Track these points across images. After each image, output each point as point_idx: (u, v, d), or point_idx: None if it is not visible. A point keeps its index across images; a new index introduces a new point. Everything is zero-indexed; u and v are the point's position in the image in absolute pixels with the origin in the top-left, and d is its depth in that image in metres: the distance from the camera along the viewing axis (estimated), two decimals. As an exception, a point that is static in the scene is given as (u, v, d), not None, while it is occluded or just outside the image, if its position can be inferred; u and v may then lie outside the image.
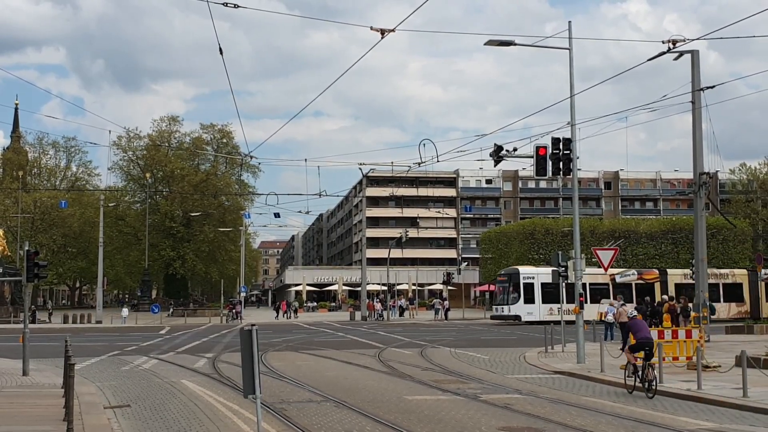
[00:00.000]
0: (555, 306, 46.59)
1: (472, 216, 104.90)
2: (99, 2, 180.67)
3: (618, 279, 48.61)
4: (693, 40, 20.14)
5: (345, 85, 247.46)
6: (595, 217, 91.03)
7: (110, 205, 69.74)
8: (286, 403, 14.49)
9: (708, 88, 22.70)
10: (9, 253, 56.97)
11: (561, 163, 21.96)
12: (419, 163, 27.46)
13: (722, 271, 53.81)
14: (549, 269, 53.00)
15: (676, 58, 22.41)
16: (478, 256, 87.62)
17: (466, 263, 73.53)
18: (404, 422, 12.36)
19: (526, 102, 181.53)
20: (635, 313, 18.62)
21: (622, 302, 33.26)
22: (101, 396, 15.66)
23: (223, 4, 16.63)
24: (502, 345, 30.11)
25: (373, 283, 74.47)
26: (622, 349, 17.64)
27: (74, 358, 13.44)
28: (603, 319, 32.66)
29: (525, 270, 49.51)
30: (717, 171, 49.45)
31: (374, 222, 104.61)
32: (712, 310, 31.43)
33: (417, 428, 11.93)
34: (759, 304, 51.17)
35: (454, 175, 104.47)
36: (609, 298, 47.18)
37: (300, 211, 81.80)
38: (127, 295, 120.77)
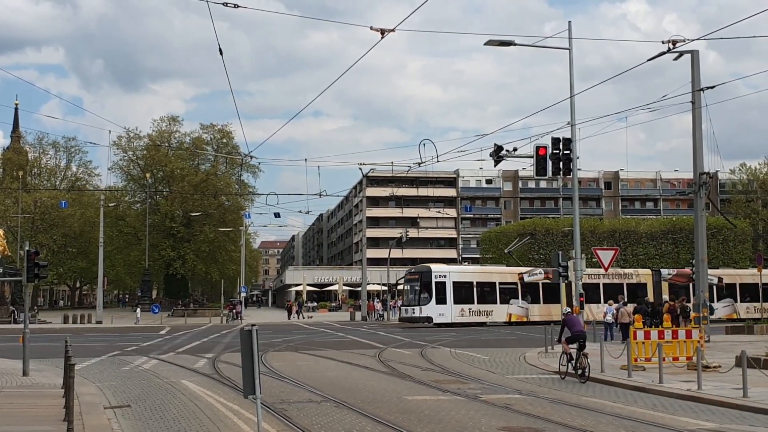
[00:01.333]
0: (467, 306, 45.20)
1: (472, 216, 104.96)
2: (98, 2, 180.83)
3: (526, 278, 47.20)
4: (693, 40, 20.18)
5: (344, 84, 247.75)
6: (595, 217, 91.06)
7: (110, 205, 69.69)
8: (286, 403, 14.50)
9: (708, 88, 22.75)
10: (9, 253, 56.93)
11: (561, 163, 22.01)
12: (419, 163, 27.52)
13: (626, 270, 52.47)
14: (461, 267, 50.78)
15: (676, 58, 22.46)
16: (478, 256, 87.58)
17: (466, 263, 73.56)
18: (404, 422, 12.37)
19: (525, 102, 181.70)
20: (569, 309, 20.93)
21: (623, 302, 33.34)
22: (101, 396, 15.66)
23: (223, 4, 16.64)
24: (502, 345, 30.11)
25: (374, 283, 74.45)
26: (559, 341, 19.83)
27: (74, 358, 13.46)
28: (603, 318, 32.64)
29: (437, 268, 47.01)
30: (717, 171, 49.30)
31: (374, 222, 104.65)
32: (711, 311, 31.40)
33: (417, 428, 11.93)
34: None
35: (454, 175, 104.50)
36: (518, 298, 46.42)
37: (300, 211, 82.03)
38: (127, 295, 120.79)
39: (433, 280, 44.71)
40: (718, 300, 49.77)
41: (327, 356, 25.46)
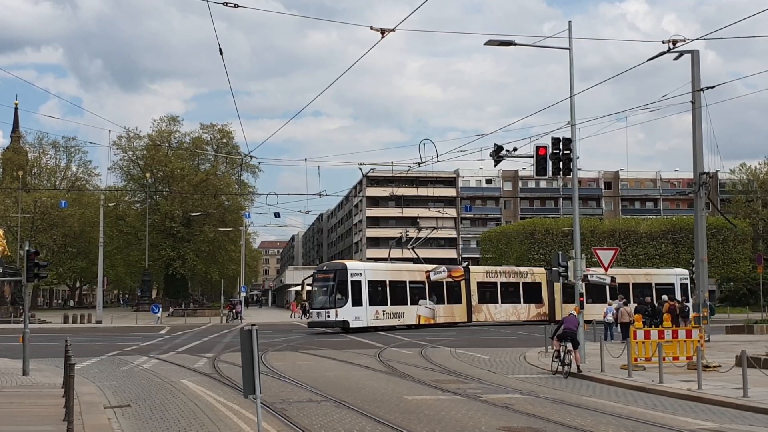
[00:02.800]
0: (381, 308, 40.51)
1: (472, 216, 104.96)
2: (97, 2, 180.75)
3: (432, 276, 43.66)
4: (693, 40, 20.19)
5: (344, 84, 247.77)
6: (595, 217, 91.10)
7: (110, 205, 69.68)
8: (286, 403, 14.50)
9: (708, 88, 22.74)
10: (9, 253, 56.92)
11: (561, 163, 21.96)
12: (419, 163, 27.54)
13: (522, 269, 49.56)
14: (375, 265, 45.17)
15: (676, 58, 22.46)
16: (478, 256, 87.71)
17: (466, 263, 73.43)
18: (404, 422, 12.37)
19: (524, 102, 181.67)
20: (573, 312, 21.26)
21: (623, 301, 33.35)
22: (101, 396, 15.66)
23: (223, 3, 16.63)
24: (502, 345, 30.12)
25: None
26: (552, 337, 20.67)
27: (74, 358, 13.45)
28: (604, 319, 32.58)
29: (353, 265, 41.41)
30: (717, 171, 49.18)
31: (374, 222, 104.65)
32: (712, 311, 31.41)
33: (417, 428, 11.93)
34: (554, 305, 46.64)
35: (454, 175, 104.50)
36: (426, 298, 42.97)
37: (300, 211, 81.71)
38: (127, 295, 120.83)
39: (349, 279, 39.42)
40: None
41: (327, 356, 25.47)
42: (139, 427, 12.37)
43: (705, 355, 19.20)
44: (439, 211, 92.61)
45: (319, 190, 79.15)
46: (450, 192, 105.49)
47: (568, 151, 22.00)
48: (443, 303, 43.98)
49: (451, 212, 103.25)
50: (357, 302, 39.42)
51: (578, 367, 19.43)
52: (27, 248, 19.98)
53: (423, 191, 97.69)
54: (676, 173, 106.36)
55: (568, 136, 22.23)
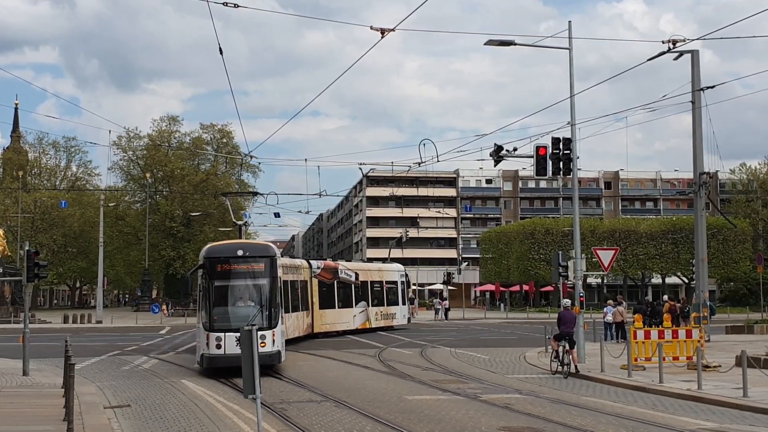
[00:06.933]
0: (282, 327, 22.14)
1: (472, 216, 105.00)
2: (95, 2, 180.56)
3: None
4: (693, 40, 20.18)
5: (342, 84, 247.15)
6: (595, 217, 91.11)
7: (110, 205, 69.70)
8: (286, 403, 14.50)
9: (708, 88, 22.76)
10: (9, 253, 56.91)
11: (561, 163, 21.97)
12: (419, 163, 27.54)
13: (296, 261, 36.80)
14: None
15: (676, 58, 22.48)
16: (478, 256, 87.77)
17: (466, 263, 73.66)
18: (404, 422, 12.37)
19: (523, 102, 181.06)
20: (568, 301, 20.79)
21: (622, 302, 33.42)
22: (101, 396, 15.67)
23: (222, 3, 16.63)
24: (502, 345, 30.11)
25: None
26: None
27: (74, 358, 13.46)
28: (603, 319, 32.55)
29: (277, 251, 22.84)
30: (717, 171, 49.15)
31: (374, 222, 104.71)
32: (712, 311, 31.37)
33: (417, 428, 11.94)
34: (314, 312, 34.22)
35: (454, 175, 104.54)
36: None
37: (300, 211, 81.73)
38: (127, 295, 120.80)
39: (280, 274, 21.82)
40: (356, 303, 37.85)
41: (327, 356, 25.47)
42: (139, 427, 12.37)
43: (705, 355, 19.21)
44: (439, 211, 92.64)
45: (319, 190, 79.05)
46: (450, 192, 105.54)
47: (568, 151, 22.01)
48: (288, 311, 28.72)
49: (451, 212, 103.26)
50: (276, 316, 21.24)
51: (576, 367, 19.41)
52: (27, 248, 20.00)
53: (423, 191, 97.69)
54: (676, 173, 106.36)
55: (568, 136, 22.25)
